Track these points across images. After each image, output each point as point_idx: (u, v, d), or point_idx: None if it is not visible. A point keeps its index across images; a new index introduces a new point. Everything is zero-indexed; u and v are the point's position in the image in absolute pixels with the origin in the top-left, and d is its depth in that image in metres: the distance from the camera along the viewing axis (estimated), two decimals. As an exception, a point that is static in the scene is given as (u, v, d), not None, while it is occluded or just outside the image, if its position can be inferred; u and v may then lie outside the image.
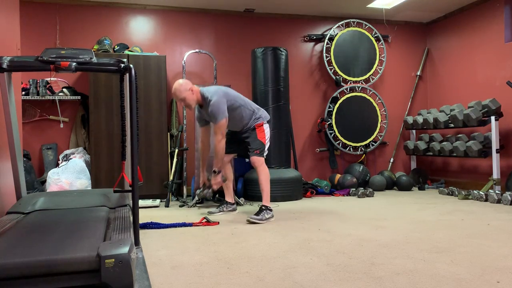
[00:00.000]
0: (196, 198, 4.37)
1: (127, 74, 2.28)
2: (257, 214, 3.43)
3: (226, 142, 3.77)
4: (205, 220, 3.40)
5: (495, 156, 4.53)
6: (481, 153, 4.68)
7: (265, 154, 3.64)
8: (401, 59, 6.08)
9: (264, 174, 3.57)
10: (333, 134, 5.56)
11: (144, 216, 3.67)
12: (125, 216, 2.31)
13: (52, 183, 4.14)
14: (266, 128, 3.68)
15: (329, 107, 5.59)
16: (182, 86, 3.47)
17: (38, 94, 4.53)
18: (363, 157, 5.77)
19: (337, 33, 5.61)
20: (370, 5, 5.31)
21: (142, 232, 2.99)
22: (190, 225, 3.30)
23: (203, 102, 3.53)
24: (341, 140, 5.58)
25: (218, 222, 3.40)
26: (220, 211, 3.83)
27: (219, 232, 3.05)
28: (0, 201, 2.64)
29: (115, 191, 2.42)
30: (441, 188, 5.09)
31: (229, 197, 3.92)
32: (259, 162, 3.56)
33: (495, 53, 5.02)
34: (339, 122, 5.56)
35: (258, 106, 3.75)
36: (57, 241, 1.73)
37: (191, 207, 4.23)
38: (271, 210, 3.50)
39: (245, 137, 3.67)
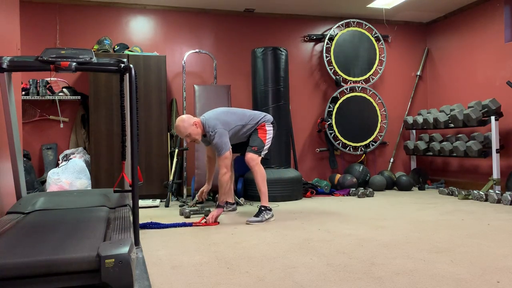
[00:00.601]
0: (196, 198, 4.37)
1: (127, 74, 2.28)
2: (257, 215, 3.42)
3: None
4: (204, 220, 3.39)
5: (495, 156, 4.53)
6: (481, 153, 4.68)
7: (263, 153, 3.60)
8: (401, 59, 6.08)
9: (260, 175, 3.52)
10: (333, 134, 5.56)
11: (144, 216, 3.67)
12: (125, 216, 2.31)
13: (52, 183, 4.14)
14: (269, 129, 3.64)
15: (329, 107, 5.59)
16: (185, 122, 3.43)
17: (38, 94, 4.53)
18: (363, 157, 5.77)
19: (337, 33, 5.61)
20: (370, 5, 5.31)
21: (142, 232, 2.99)
22: (190, 225, 3.30)
23: (205, 133, 3.50)
24: (341, 140, 5.58)
25: (218, 222, 3.39)
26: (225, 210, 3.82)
27: (219, 232, 3.05)
28: (0, 201, 2.64)
29: (115, 191, 2.42)
30: (441, 188, 5.09)
31: (230, 197, 3.91)
32: (254, 161, 3.50)
33: (495, 53, 5.02)
34: (339, 122, 5.56)
35: (259, 114, 3.68)
36: (57, 241, 1.73)
37: (191, 207, 4.23)
38: (270, 210, 3.49)
39: (247, 136, 3.67)
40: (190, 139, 3.47)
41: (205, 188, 3.78)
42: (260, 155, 3.55)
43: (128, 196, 2.68)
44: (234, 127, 3.55)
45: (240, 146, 3.74)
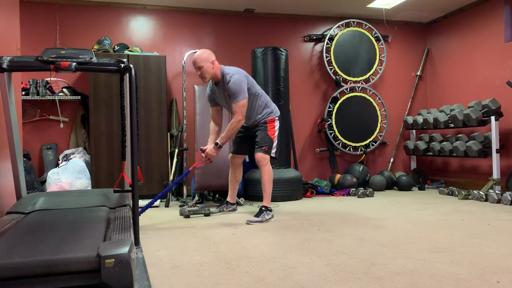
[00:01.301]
0: (196, 198, 4.37)
1: (127, 74, 2.28)
2: (257, 215, 3.42)
3: (238, 142, 3.74)
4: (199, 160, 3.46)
5: (495, 156, 4.53)
6: (481, 153, 4.68)
7: (273, 152, 3.54)
8: (401, 59, 6.08)
9: (268, 175, 3.50)
10: (333, 134, 5.56)
11: (144, 216, 3.68)
12: (125, 216, 2.31)
13: (52, 183, 4.14)
14: (277, 124, 3.61)
15: (329, 107, 5.59)
16: (204, 54, 3.43)
17: (38, 94, 4.53)
18: (363, 157, 5.77)
19: (337, 33, 5.61)
20: (370, 5, 5.31)
21: (142, 232, 2.99)
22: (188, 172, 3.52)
23: (221, 80, 3.45)
24: (341, 140, 5.58)
25: (211, 161, 3.49)
26: (220, 211, 3.82)
27: (219, 232, 3.05)
28: (0, 201, 2.64)
29: (115, 191, 2.43)
30: (441, 188, 5.09)
31: (232, 197, 3.88)
32: (264, 161, 3.48)
33: (495, 53, 5.02)
34: (339, 122, 5.56)
35: (270, 100, 3.68)
36: (57, 241, 1.73)
37: (191, 207, 4.23)
38: (271, 210, 3.49)
39: (255, 131, 3.59)
40: (200, 72, 3.44)
41: (208, 148, 3.51)
42: (270, 154, 3.52)
43: (128, 196, 2.68)
44: (251, 87, 3.48)
45: (250, 148, 3.65)
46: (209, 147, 3.49)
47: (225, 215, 3.75)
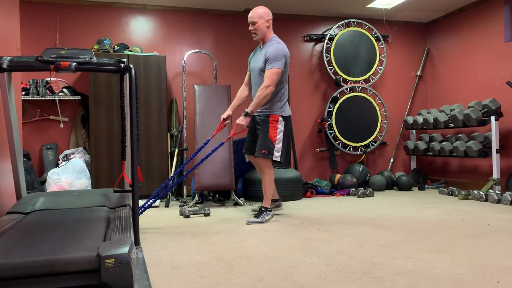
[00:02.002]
0: (196, 198, 4.37)
1: (127, 74, 2.28)
2: (257, 216, 3.41)
3: (247, 141, 3.67)
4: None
5: (495, 156, 4.53)
6: (481, 153, 4.68)
7: (277, 155, 3.40)
8: (401, 59, 6.08)
9: (268, 177, 3.47)
10: (333, 134, 5.56)
11: (144, 216, 3.67)
12: (125, 216, 2.31)
13: (52, 183, 4.14)
14: (281, 126, 3.44)
15: (329, 107, 5.59)
16: (260, 10, 3.39)
17: (38, 94, 4.53)
18: (363, 157, 5.77)
19: (337, 33, 5.61)
20: (370, 5, 5.31)
21: (142, 232, 2.99)
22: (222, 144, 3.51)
23: (266, 43, 3.41)
24: (341, 140, 5.58)
25: (248, 127, 3.43)
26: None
27: (219, 232, 3.05)
28: (0, 201, 2.64)
29: (115, 191, 2.43)
30: (441, 188, 5.09)
31: (274, 194, 3.74)
32: (263, 164, 3.43)
33: (495, 53, 5.02)
34: (339, 122, 5.56)
35: (287, 100, 3.55)
36: (57, 241, 1.73)
37: (191, 207, 4.23)
38: (270, 211, 3.48)
39: (258, 128, 3.51)
40: (253, 27, 3.40)
41: (226, 114, 3.53)
42: (271, 157, 3.40)
43: (128, 196, 2.68)
44: (285, 74, 3.41)
45: (255, 145, 3.58)
46: (238, 119, 3.41)
47: (224, 215, 3.75)
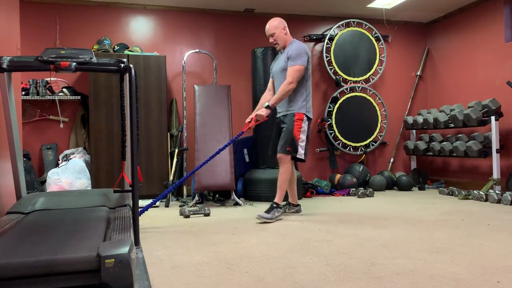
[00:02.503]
0: (196, 198, 4.37)
1: (127, 74, 2.28)
2: (268, 211, 3.43)
3: (272, 142, 3.69)
4: (252, 120, 3.54)
5: (495, 156, 4.53)
6: (481, 153, 4.68)
7: (301, 152, 3.45)
8: (401, 59, 6.08)
9: (285, 174, 3.48)
10: (333, 134, 5.56)
11: (144, 216, 3.67)
12: (125, 216, 2.31)
13: (52, 183, 4.14)
14: (305, 125, 3.50)
15: (329, 107, 5.59)
16: (275, 21, 3.54)
17: (38, 94, 4.53)
18: (363, 157, 5.77)
19: (337, 33, 5.61)
20: (370, 5, 5.31)
21: (142, 232, 2.99)
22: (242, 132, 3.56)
23: (287, 47, 3.53)
24: (341, 140, 5.58)
25: (267, 117, 3.50)
26: (283, 212, 3.64)
27: (219, 232, 3.05)
28: (0, 201, 2.64)
29: (115, 191, 2.42)
30: (441, 188, 5.09)
31: (292, 198, 3.75)
32: (283, 160, 3.46)
33: (495, 53, 5.02)
34: (339, 122, 5.55)
35: (311, 99, 3.60)
36: (57, 241, 1.73)
37: (191, 207, 4.23)
38: (281, 208, 3.50)
39: (282, 128, 3.54)
40: (273, 39, 3.56)
41: (251, 117, 3.59)
42: (294, 155, 3.45)
43: (128, 196, 2.68)
44: (308, 72, 3.50)
45: (273, 143, 3.63)
46: (259, 110, 3.54)
47: (224, 215, 3.75)
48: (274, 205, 3.47)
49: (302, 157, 3.49)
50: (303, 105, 3.51)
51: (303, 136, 3.48)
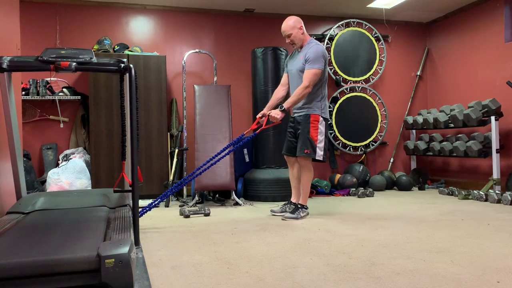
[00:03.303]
0: (196, 198, 4.37)
1: (127, 74, 2.28)
2: (292, 212, 3.47)
3: (287, 142, 3.67)
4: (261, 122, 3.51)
5: (495, 156, 4.53)
6: (481, 153, 4.68)
7: (320, 154, 3.44)
8: (401, 59, 6.08)
9: (307, 176, 3.50)
10: (333, 134, 5.56)
11: (144, 216, 3.67)
12: (125, 216, 2.31)
13: (52, 183, 4.14)
14: (322, 126, 3.49)
15: (329, 107, 5.59)
16: (290, 21, 3.48)
17: (38, 94, 4.53)
18: (363, 157, 5.76)
19: (337, 33, 5.61)
20: (370, 5, 5.31)
21: (142, 232, 2.99)
22: (255, 133, 3.53)
23: (305, 46, 3.47)
24: (341, 140, 5.58)
25: (281, 121, 3.48)
26: (282, 211, 3.68)
27: (219, 232, 3.05)
28: (0, 201, 2.64)
29: (115, 191, 2.43)
30: (441, 188, 5.09)
31: (295, 197, 3.71)
32: (304, 163, 3.46)
33: (495, 53, 5.02)
34: (339, 122, 5.56)
35: (327, 101, 3.59)
36: (57, 241, 1.73)
37: (191, 207, 4.23)
38: (306, 208, 3.55)
39: (298, 129, 3.53)
40: (289, 39, 3.50)
41: (272, 112, 3.49)
42: (313, 157, 3.45)
43: (128, 196, 2.68)
44: (324, 74, 3.48)
45: (295, 148, 3.59)
46: (272, 111, 3.47)
47: (224, 215, 3.75)
48: (299, 206, 3.52)
49: (321, 158, 3.49)
50: (318, 106, 3.50)
51: (320, 137, 3.48)
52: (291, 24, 3.48)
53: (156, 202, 3.37)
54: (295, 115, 3.62)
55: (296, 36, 3.48)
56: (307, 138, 3.44)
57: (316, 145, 3.45)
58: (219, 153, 3.58)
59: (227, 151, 3.61)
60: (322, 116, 3.50)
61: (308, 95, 3.46)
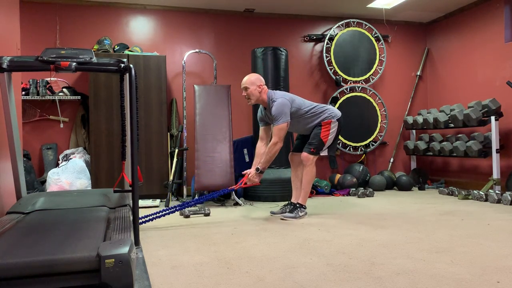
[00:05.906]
0: (196, 198, 4.36)
1: (127, 74, 2.28)
2: (291, 211, 3.48)
3: (298, 141, 3.75)
4: (244, 182, 3.52)
5: (495, 156, 4.53)
6: (481, 153, 4.68)
7: (322, 153, 3.57)
8: (401, 59, 6.08)
9: (309, 175, 3.52)
10: (333, 134, 5.56)
11: (144, 216, 3.67)
12: (125, 216, 2.31)
13: (52, 183, 4.14)
14: (333, 127, 3.56)
15: (329, 107, 5.59)
16: (252, 77, 3.54)
17: (38, 94, 4.53)
18: (363, 157, 5.77)
19: (337, 33, 5.61)
20: (370, 5, 5.31)
21: (142, 232, 2.99)
22: (233, 190, 3.61)
23: (268, 104, 3.53)
24: (341, 140, 5.58)
25: (260, 183, 3.55)
26: (282, 212, 3.66)
27: (219, 232, 3.05)
28: (0, 201, 2.64)
29: (115, 191, 2.42)
30: (441, 188, 5.09)
31: (295, 198, 3.71)
32: (308, 161, 3.49)
33: (495, 53, 5.02)
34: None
35: (326, 106, 3.63)
36: (57, 241, 1.73)
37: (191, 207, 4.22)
38: (305, 208, 3.55)
39: (310, 129, 3.61)
40: (246, 93, 3.54)
41: (250, 172, 3.54)
42: (317, 155, 3.52)
43: (128, 196, 2.68)
44: (298, 107, 3.51)
45: (301, 143, 3.68)
46: (252, 171, 3.51)
47: (224, 215, 3.75)
48: (298, 205, 3.53)
49: (325, 153, 3.61)
50: (323, 117, 3.56)
51: (331, 137, 3.56)
52: (252, 80, 3.52)
53: (158, 215, 3.32)
54: (306, 134, 3.67)
55: (253, 93, 3.51)
56: (319, 140, 3.52)
57: (325, 145, 3.54)
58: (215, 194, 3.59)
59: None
60: (332, 118, 3.56)
61: (308, 124, 3.56)
